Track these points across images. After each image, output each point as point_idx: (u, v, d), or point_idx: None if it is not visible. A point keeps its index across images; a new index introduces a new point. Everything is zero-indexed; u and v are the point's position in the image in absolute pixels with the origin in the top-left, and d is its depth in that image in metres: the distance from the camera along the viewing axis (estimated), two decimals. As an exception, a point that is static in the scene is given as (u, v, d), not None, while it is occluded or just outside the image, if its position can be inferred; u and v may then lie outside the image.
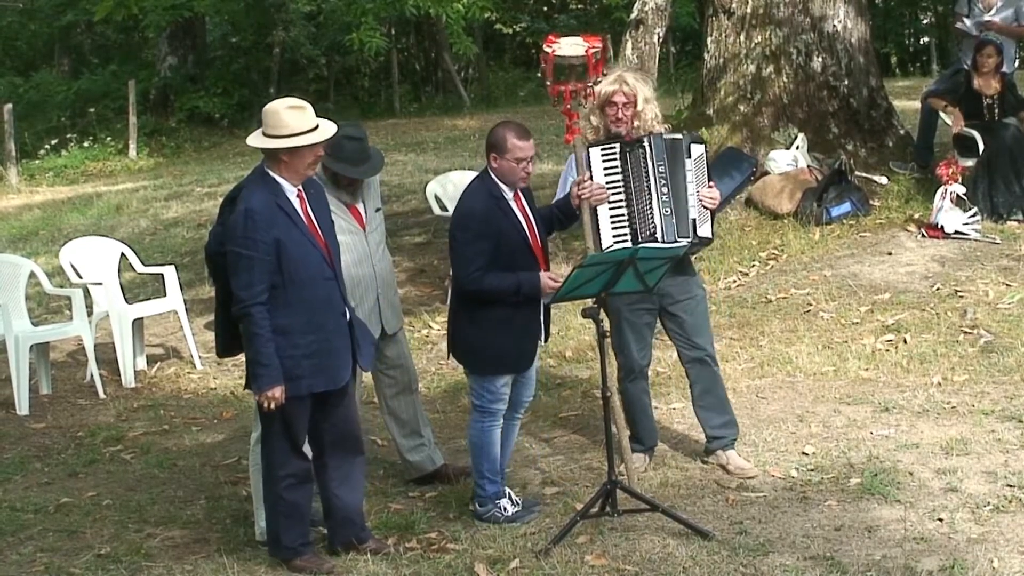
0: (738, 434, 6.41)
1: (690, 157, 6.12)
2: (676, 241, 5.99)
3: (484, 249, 5.64)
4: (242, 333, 5.23)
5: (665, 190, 6.06)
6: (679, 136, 6.21)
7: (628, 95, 6.08)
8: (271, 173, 5.26)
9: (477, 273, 5.64)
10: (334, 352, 5.31)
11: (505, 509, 5.70)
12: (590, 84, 5.90)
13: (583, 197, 5.88)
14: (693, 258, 6.44)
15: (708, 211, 6.16)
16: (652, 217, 6.05)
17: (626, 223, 6.04)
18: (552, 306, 6.02)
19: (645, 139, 6.07)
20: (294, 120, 5.20)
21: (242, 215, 5.15)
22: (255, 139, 5.30)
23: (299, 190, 5.30)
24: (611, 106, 6.08)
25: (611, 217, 6.03)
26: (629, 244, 5.91)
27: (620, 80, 6.08)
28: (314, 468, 5.46)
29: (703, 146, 6.26)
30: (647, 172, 6.06)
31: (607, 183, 6.00)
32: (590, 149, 6.02)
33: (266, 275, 5.14)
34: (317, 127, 5.26)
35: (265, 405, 5.18)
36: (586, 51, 5.80)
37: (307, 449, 5.45)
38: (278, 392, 5.16)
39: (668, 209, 6.05)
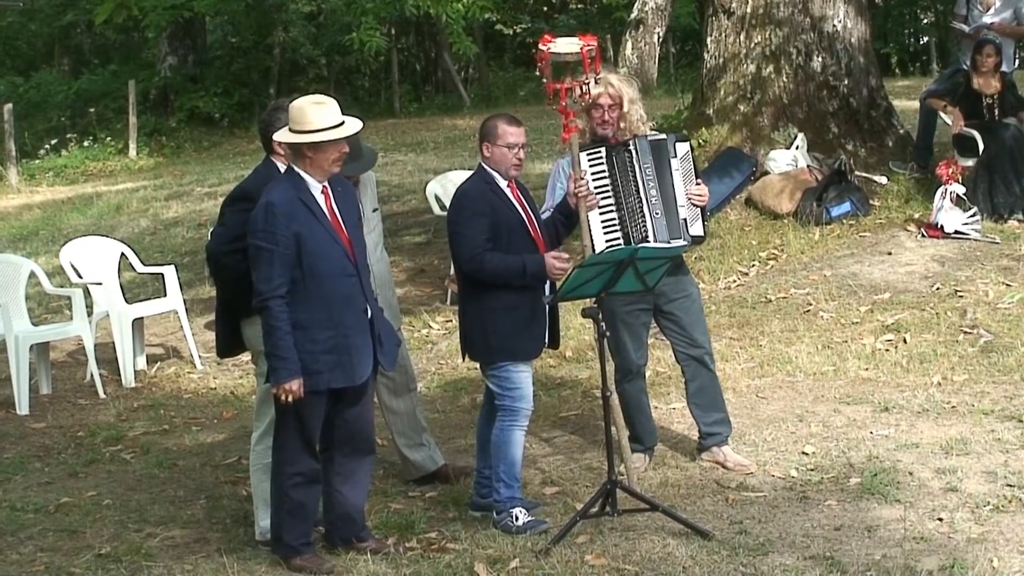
0: (731, 432, 6.43)
1: (676, 156, 6.15)
2: (669, 242, 6.02)
3: (482, 226, 5.64)
4: (262, 326, 5.25)
5: (654, 192, 6.09)
6: (663, 136, 6.23)
7: (613, 97, 6.09)
8: (296, 169, 5.29)
9: (478, 251, 5.63)
10: (353, 348, 5.30)
11: (516, 519, 5.65)
12: (585, 82, 5.91)
13: (580, 195, 5.88)
14: (692, 257, 6.45)
15: (698, 209, 6.19)
16: (643, 219, 6.07)
17: (617, 227, 6.06)
18: (560, 312, 6.03)
19: (630, 142, 6.10)
20: (318, 116, 5.23)
21: (262, 208, 5.19)
22: (281, 135, 5.35)
23: (324, 187, 5.31)
24: (597, 108, 6.09)
25: (602, 221, 6.05)
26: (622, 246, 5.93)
27: (605, 82, 6.08)
28: (321, 461, 5.46)
29: (688, 144, 6.29)
30: (635, 175, 6.09)
31: (595, 188, 6.01)
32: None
33: (286, 269, 5.16)
34: (342, 123, 5.28)
35: (282, 398, 5.18)
36: (580, 48, 5.81)
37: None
38: (295, 385, 5.16)
39: (658, 211, 6.08)
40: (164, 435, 7.87)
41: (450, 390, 8.25)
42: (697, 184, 6.19)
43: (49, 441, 7.90)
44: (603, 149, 6.09)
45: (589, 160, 6.05)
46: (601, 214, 6.05)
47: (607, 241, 6.03)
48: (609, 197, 6.07)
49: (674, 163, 6.14)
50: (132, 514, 6.40)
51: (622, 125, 6.13)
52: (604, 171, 6.08)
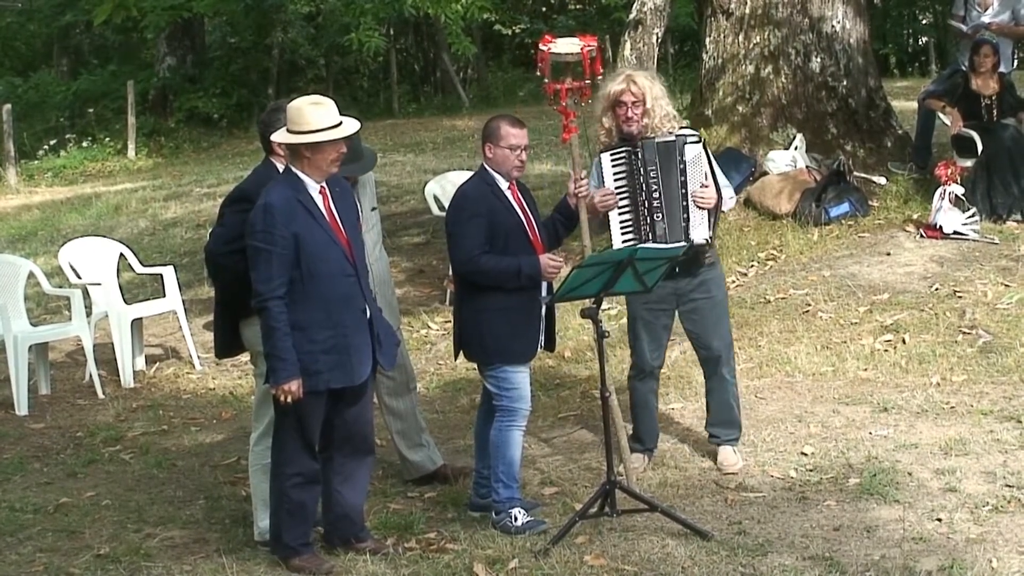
0: (735, 436, 6.43)
1: (684, 158, 6.10)
2: (668, 244, 6.01)
3: (480, 227, 5.65)
4: (261, 326, 5.25)
5: (657, 194, 6.08)
6: (671, 138, 6.11)
7: (636, 94, 6.07)
8: (294, 170, 5.30)
9: (475, 253, 5.64)
10: (352, 348, 5.31)
11: (515, 519, 5.66)
12: (586, 83, 5.90)
13: (579, 196, 5.89)
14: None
15: (704, 212, 6.10)
16: (649, 222, 6.07)
17: (631, 228, 6.07)
18: (557, 314, 6.03)
19: (639, 143, 6.09)
20: (316, 116, 5.23)
21: (261, 210, 5.19)
22: (279, 135, 5.35)
23: (322, 187, 5.32)
24: (620, 106, 6.08)
25: (620, 223, 6.07)
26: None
27: (628, 80, 6.08)
28: (320, 461, 5.46)
29: (699, 146, 6.17)
30: (641, 177, 6.09)
31: (616, 188, 6.03)
32: (601, 155, 6.06)
33: (284, 269, 5.17)
34: (340, 124, 5.28)
35: (282, 399, 5.19)
36: (581, 49, 5.81)
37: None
38: (295, 386, 5.17)
39: (661, 213, 6.07)
40: (163, 435, 7.87)
41: (449, 390, 8.25)
42: (703, 187, 6.10)
43: (48, 441, 7.90)
44: (624, 150, 6.09)
45: (612, 161, 6.08)
46: (620, 215, 6.07)
47: (623, 242, 6.04)
48: (626, 198, 6.09)
49: (681, 165, 6.10)
50: (131, 514, 6.41)
51: (646, 122, 6.11)
52: (624, 172, 6.08)
